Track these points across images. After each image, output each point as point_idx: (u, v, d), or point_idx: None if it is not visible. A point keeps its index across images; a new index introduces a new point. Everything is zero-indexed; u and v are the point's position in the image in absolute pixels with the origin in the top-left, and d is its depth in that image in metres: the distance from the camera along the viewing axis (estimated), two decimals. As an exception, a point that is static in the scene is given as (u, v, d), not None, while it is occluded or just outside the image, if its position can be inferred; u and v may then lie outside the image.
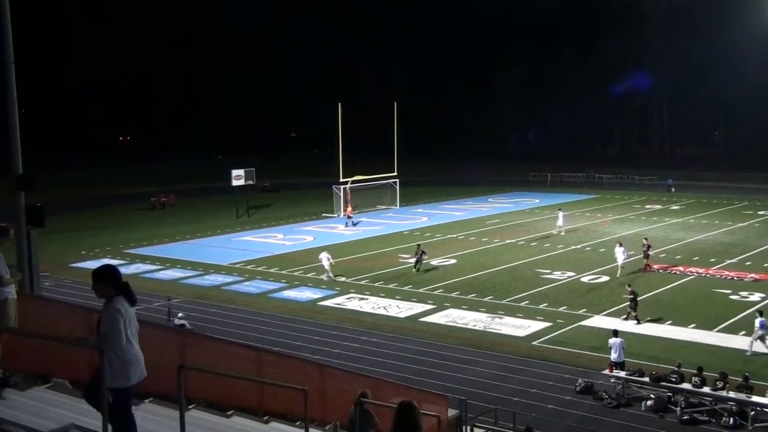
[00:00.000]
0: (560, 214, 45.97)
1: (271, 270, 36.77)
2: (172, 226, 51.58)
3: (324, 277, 33.99)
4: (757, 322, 22.84)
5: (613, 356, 20.97)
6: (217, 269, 37.29)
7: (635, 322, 26.09)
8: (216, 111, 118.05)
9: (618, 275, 33.20)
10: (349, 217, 51.15)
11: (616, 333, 21.54)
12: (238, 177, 55.95)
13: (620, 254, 33.62)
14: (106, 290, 7.11)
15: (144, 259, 39.98)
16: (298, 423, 10.75)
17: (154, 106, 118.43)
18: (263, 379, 10.96)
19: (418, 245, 36.99)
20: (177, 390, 7.62)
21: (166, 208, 62.11)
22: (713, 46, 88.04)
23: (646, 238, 36.61)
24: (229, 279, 35.16)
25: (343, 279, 33.94)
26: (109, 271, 7.22)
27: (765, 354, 22.42)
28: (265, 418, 10.98)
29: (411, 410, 6.31)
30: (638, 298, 26.90)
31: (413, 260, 35.95)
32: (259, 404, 11.24)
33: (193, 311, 28.50)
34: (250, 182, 57.46)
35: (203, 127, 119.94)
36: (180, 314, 25.10)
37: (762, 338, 22.57)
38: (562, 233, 44.75)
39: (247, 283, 34.39)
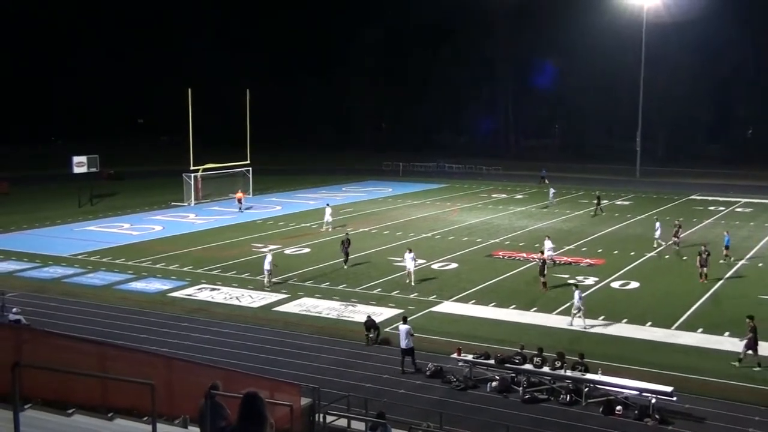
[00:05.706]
0: (327, 209, 44.40)
1: (117, 261, 35.27)
2: (6, 216, 48.26)
3: (268, 282, 30.19)
4: (576, 294, 25.07)
5: (403, 343, 21.42)
6: (57, 261, 35.32)
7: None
8: (54, 93, 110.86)
9: (407, 281, 30.57)
10: (239, 202, 51.17)
11: (405, 320, 22.29)
12: (80, 164, 53.32)
13: (409, 260, 30.62)
14: None
15: (-26, 251, 37.24)
16: (145, 418, 10.41)
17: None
18: (106, 375, 10.53)
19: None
20: (11, 389, 7.17)
21: (-3, 196, 58.11)
22: (552, 43, 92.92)
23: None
24: (70, 271, 33.39)
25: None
26: None
27: (581, 327, 24.76)
28: (109, 414, 10.55)
29: (255, 401, 6.25)
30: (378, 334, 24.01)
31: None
32: (102, 401, 10.80)
33: (30, 305, 26.91)
34: (94, 169, 54.77)
35: (40, 110, 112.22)
36: (15, 309, 23.67)
37: (579, 309, 24.84)
38: (330, 229, 42.98)
39: (90, 275, 32.80)
